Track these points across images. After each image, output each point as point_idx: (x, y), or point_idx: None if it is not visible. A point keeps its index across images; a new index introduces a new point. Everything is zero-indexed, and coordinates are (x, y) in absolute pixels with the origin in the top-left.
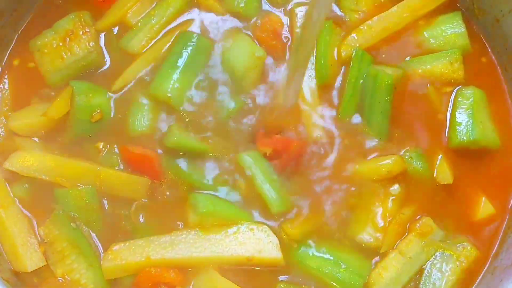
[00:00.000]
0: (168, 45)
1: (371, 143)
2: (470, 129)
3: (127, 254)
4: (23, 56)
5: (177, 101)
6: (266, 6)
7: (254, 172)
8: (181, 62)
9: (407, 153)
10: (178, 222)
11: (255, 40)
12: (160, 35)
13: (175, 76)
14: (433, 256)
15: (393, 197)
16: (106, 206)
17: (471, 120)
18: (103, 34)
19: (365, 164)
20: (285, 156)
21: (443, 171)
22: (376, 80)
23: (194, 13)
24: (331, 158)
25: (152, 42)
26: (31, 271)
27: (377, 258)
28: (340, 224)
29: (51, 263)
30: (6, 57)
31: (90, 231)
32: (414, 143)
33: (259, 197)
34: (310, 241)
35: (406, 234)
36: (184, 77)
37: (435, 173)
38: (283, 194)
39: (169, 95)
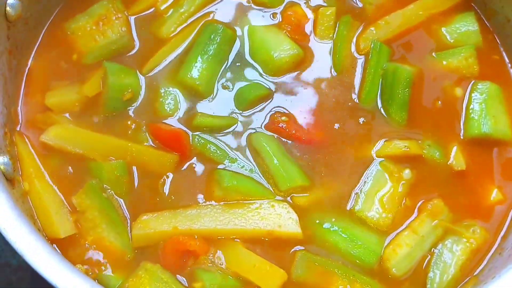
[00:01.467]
0: (195, 31)
1: (390, 129)
2: (483, 123)
3: (156, 224)
4: (58, 39)
5: (205, 88)
6: None
7: (264, 151)
8: (208, 51)
9: (425, 141)
10: (202, 195)
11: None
12: (189, 22)
13: (203, 65)
14: (445, 238)
15: (404, 182)
16: (136, 179)
17: (484, 114)
18: (134, 19)
19: (383, 146)
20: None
21: (457, 159)
22: (395, 75)
23: (221, 2)
24: (349, 140)
25: (181, 28)
26: (63, 238)
27: (391, 236)
28: (352, 201)
29: (82, 231)
30: (40, 39)
31: (119, 201)
32: (431, 132)
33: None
34: (326, 217)
35: (416, 214)
36: (211, 65)
37: (449, 161)
38: (294, 172)
39: (197, 82)
